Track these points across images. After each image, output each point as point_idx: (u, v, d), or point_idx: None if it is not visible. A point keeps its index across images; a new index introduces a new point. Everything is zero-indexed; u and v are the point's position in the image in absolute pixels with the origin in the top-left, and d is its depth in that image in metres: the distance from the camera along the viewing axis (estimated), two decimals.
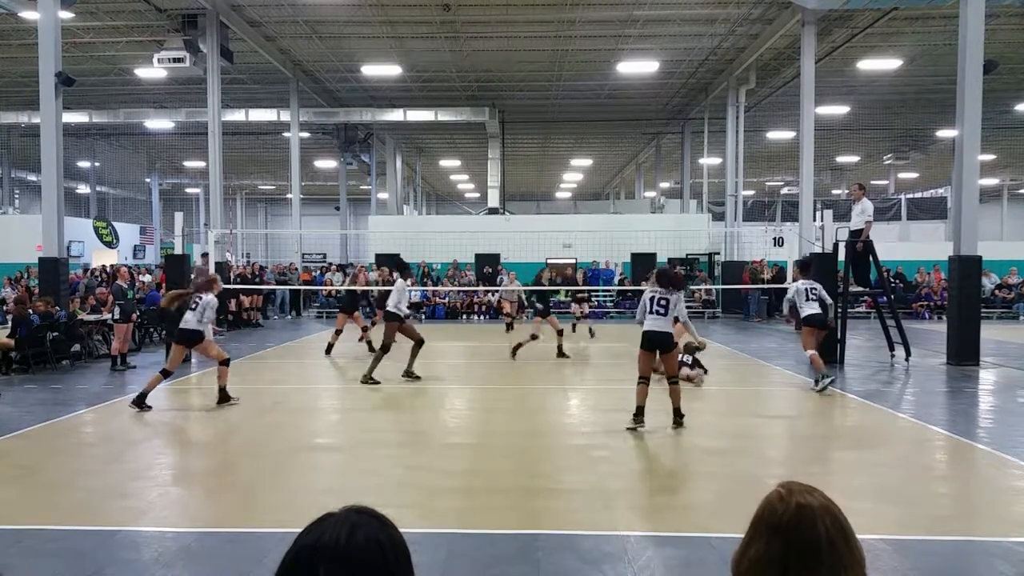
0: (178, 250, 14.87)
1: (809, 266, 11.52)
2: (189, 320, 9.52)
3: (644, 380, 8.09)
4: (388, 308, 11.37)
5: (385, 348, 11.23)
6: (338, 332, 15.09)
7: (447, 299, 23.92)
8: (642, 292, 15.38)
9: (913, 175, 43.35)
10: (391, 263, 15.82)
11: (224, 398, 9.60)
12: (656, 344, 8.09)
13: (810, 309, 10.63)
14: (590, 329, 18.11)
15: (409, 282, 11.90)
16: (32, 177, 38.66)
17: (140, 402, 9.20)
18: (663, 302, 8.16)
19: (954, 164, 14.20)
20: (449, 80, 26.44)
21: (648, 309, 8.18)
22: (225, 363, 9.68)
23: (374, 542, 1.14)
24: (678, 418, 8.14)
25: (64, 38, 16.21)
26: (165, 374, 9.52)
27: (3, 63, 24.48)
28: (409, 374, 11.57)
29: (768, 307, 23.60)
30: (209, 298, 9.65)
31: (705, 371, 11.53)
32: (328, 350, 14.77)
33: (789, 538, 1.35)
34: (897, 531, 5.06)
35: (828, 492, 1.42)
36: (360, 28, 21.39)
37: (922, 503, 5.82)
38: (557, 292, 18.86)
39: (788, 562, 1.35)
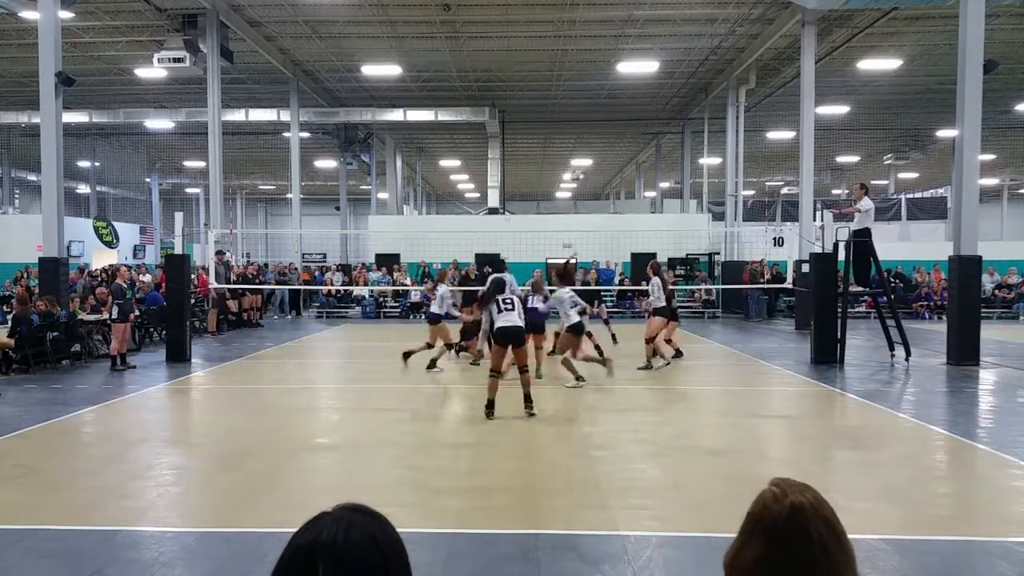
0: (178, 250, 14.86)
1: (571, 275, 12.63)
2: (432, 306, 12.73)
3: (496, 374, 8.89)
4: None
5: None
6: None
7: None
8: (643, 291, 14.94)
9: (913, 175, 43.34)
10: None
11: (432, 365, 12.31)
12: (510, 339, 8.80)
13: (576, 317, 10.96)
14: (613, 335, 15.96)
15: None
16: (32, 177, 38.65)
17: (432, 366, 12.25)
18: (509, 301, 8.98)
19: (954, 164, 14.20)
20: (449, 80, 26.44)
21: (499, 309, 8.94)
22: (449, 346, 12.74)
23: (371, 539, 1.14)
24: (528, 404, 8.80)
25: (64, 38, 16.20)
26: (429, 346, 12.54)
27: (3, 63, 24.48)
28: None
29: (768, 307, 23.63)
30: (443, 289, 12.86)
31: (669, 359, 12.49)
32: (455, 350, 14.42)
33: (784, 541, 1.34)
34: (897, 531, 5.06)
35: (828, 492, 1.42)
36: (360, 28, 21.39)
37: (922, 503, 5.82)
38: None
39: (784, 565, 1.34)
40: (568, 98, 28.80)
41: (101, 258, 30.42)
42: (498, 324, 8.82)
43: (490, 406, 8.69)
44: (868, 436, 8.13)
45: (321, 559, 1.11)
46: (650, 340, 12.49)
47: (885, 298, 14.57)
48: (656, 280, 12.59)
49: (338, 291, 25.28)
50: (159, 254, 34.17)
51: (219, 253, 19.34)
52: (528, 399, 8.78)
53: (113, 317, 13.05)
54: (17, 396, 10.33)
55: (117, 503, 5.76)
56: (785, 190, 43.37)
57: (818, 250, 15.33)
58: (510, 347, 8.81)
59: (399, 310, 24.48)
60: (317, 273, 27.28)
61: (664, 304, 12.46)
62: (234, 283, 19.79)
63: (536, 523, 5.25)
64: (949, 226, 26.43)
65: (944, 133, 31.33)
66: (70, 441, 8.05)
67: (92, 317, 14.46)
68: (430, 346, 12.56)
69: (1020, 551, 4.78)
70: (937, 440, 7.98)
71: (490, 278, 9.80)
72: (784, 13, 19.74)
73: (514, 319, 8.79)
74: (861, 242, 13.27)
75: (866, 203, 13.44)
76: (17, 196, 41.34)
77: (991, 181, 41.71)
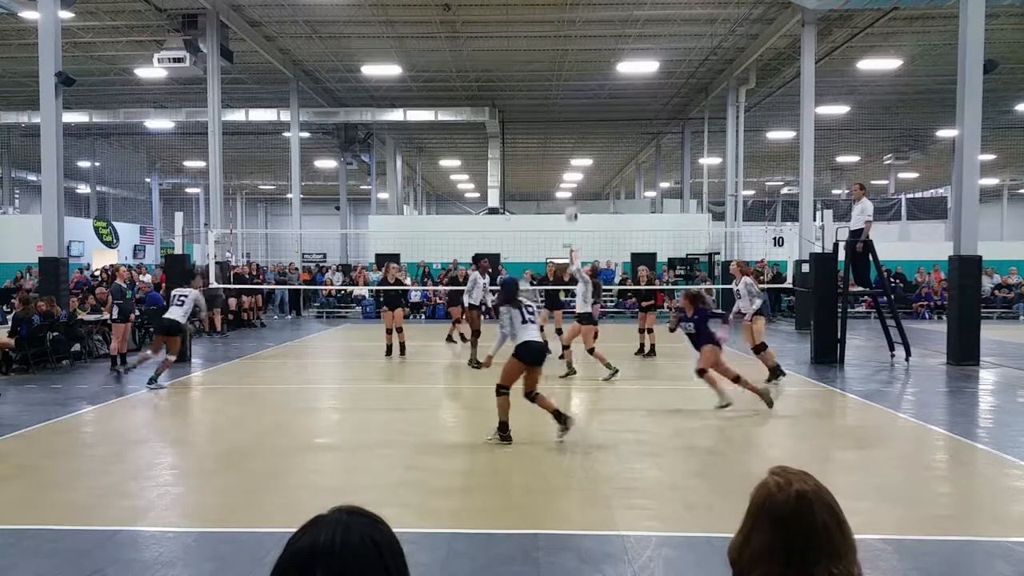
0: (178, 250, 14.88)
1: (197, 274, 12.45)
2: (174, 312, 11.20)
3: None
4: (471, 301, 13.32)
5: (476, 333, 13.20)
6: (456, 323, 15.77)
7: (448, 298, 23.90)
8: (640, 290, 14.69)
9: (913, 175, 43.33)
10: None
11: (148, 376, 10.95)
12: (535, 358, 7.48)
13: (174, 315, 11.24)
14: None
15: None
16: (32, 177, 38.62)
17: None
18: (532, 309, 7.73)
19: (954, 164, 14.20)
20: (449, 80, 26.43)
21: (523, 319, 7.51)
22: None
23: (369, 541, 1.14)
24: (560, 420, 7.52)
25: (64, 38, 16.18)
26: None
27: (3, 63, 24.47)
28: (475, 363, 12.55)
29: (769, 307, 23.65)
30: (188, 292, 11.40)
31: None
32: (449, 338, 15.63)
33: (790, 529, 1.36)
34: (897, 531, 5.06)
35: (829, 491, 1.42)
36: (360, 28, 21.39)
37: (922, 503, 5.82)
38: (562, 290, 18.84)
39: (790, 553, 1.35)
40: (568, 98, 28.79)
41: (101, 258, 30.41)
42: (523, 338, 7.44)
43: (504, 429, 7.51)
44: (868, 436, 8.13)
45: (319, 563, 1.11)
46: (758, 349, 11.25)
47: (885, 298, 14.57)
48: (747, 279, 11.44)
49: (338, 291, 25.26)
50: (159, 254, 34.16)
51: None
52: (559, 415, 7.51)
53: (113, 317, 13.06)
54: (17, 396, 10.33)
55: (117, 503, 5.76)
56: (785, 190, 43.33)
57: (818, 250, 15.32)
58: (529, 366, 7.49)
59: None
60: (317, 274, 27.27)
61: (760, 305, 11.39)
62: (234, 283, 19.77)
63: (536, 523, 5.24)
64: (949, 226, 26.42)
65: (944, 133, 31.31)
66: (70, 441, 8.04)
67: (92, 317, 14.46)
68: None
69: (1020, 551, 4.78)
70: (937, 440, 7.98)
71: (503, 279, 8.57)
72: (784, 13, 19.73)
73: (538, 334, 7.62)
74: (857, 242, 13.27)
75: (867, 206, 13.44)
76: (17, 196, 41.31)
77: (991, 181, 41.69)
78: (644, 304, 14.58)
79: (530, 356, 7.41)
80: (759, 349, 11.27)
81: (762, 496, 1.42)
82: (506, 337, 7.56)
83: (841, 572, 1.35)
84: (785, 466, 1.46)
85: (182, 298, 11.27)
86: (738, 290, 11.55)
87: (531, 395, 7.54)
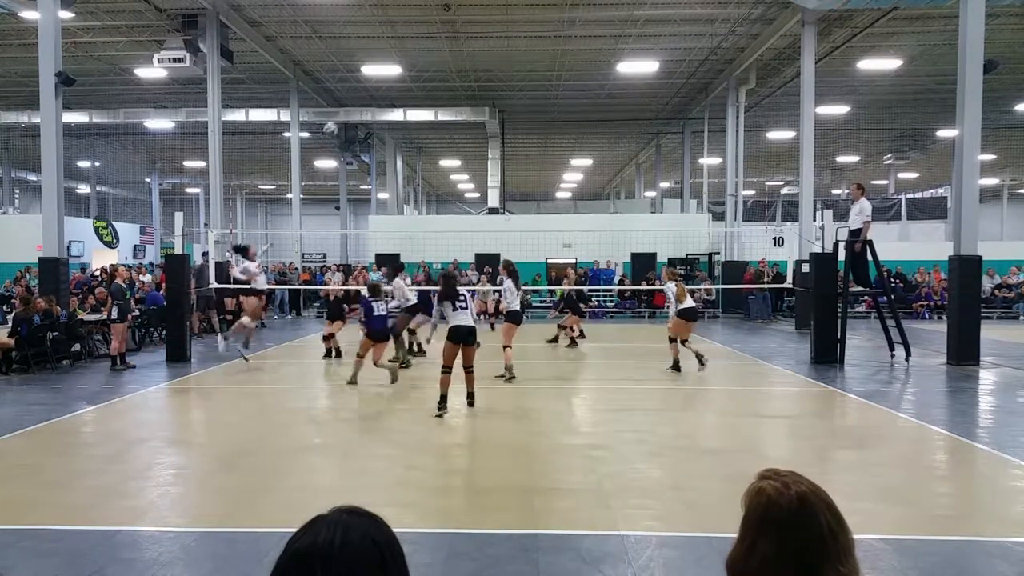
0: (178, 250, 14.87)
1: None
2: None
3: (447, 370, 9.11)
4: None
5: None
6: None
7: None
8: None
9: (913, 175, 43.34)
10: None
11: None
12: (463, 338, 9.03)
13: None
14: (582, 331, 17.11)
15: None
16: (32, 177, 38.65)
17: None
18: (464, 300, 9.20)
19: (954, 164, 14.20)
20: (449, 80, 26.44)
21: (454, 307, 9.11)
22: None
23: (370, 541, 1.14)
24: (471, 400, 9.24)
25: (64, 38, 16.19)
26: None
27: (3, 63, 24.47)
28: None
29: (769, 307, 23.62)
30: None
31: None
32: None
33: (797, 533, 1.34)
34: (897, 531, 5.06)
35: (829, 492, 1.42)
36: (360, 28, 21.39)
37: (922, 503, 5.82)
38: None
39: (800, 555, 1.33)
40: (568, 98, 28.79)
41: (101, 258, 30.41)
42: (453, 323, 9.02)
43: (443, 401, 9.01)
44: (868, 436, 8.13)
45: (319, 563, 1.11)
46: (674, 340, 12.51)
47: (885, 298, 14.57)
48: (670, 284, 12.81)
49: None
50: (159, 254, 34.16)
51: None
52: (471, 396, 9.27)
53: (113, 317, 13.07)
54: (17, 396, 10.34)
55: (117, 503, 5.76)
56: (785, 190, 43.34)
57: (818, 250, 15.33)
58: (461, 345, 9.07)
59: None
60: (317, 273, 27.25)
61: (686, 307, 12.48)
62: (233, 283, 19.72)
63: (536, 523, 5.25)
64: (949, 226, 26.41)
65: (944, 133, 31.33)
66: (70, 441, 8.04)
67: (92, 317, 14.46)
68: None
69: (1020, 551, 4.78)
70: (937, 440, 7.98)
71: (442, 275, 10.06)
72: (784, 13, 19.74)
73: (468, 319, 9.08)
74: (856, 242, 13.27)
75: (866, 206, 13.45)
76: (17, 196, 41.32)
77: (991, 181, 41.71)
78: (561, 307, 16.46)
79: (457, 337, 8.99)
80: (671, 340, 12.54)
81: (761, 503, 1.39)
82: (436, 324, 9.30)
83: (849, 571, 1.34)
84: (774, 468, 1.44)
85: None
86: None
87: (467, 368, 9.24)
